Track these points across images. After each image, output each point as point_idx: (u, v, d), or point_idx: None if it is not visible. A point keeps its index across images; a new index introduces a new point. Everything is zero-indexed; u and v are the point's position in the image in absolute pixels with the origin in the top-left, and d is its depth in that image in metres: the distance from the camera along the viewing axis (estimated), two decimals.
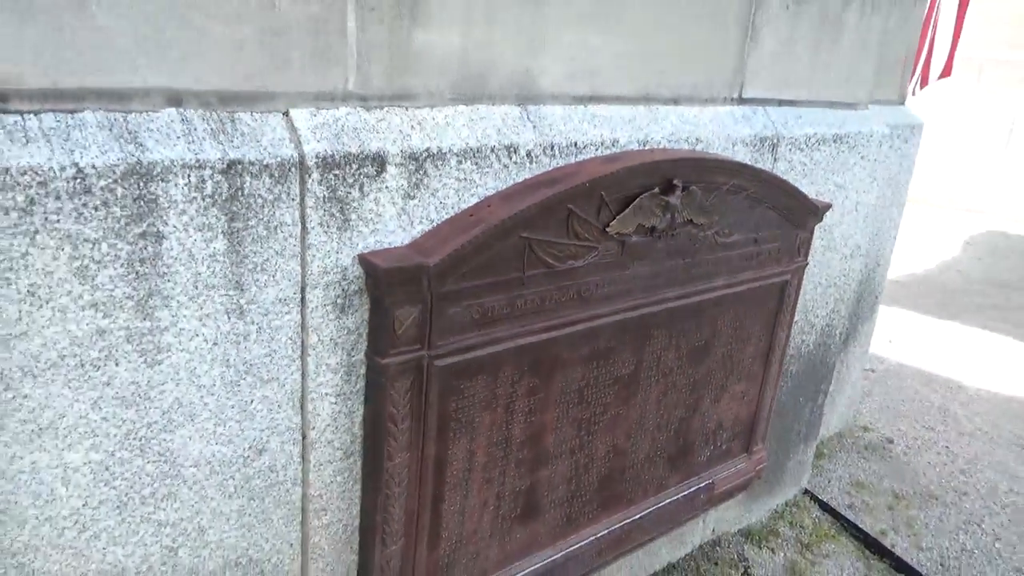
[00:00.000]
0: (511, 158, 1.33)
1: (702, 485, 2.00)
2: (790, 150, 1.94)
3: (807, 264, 2.04)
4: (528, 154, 1.36)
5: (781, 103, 1.97)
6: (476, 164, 1.29)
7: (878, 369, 3.69)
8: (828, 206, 2.00)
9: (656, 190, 1.50)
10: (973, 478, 2.83)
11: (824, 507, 2.55)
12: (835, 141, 2.09)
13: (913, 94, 5.68)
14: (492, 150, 1.30)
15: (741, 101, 1.85)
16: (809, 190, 2.05)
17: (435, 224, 1.26)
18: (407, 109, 1.22)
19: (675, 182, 1.52)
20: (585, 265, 1.45)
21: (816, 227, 2.09)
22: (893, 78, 2.63)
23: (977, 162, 8.22)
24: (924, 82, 5.91)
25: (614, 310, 1.55)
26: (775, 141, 1.89)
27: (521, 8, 1.33)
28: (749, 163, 1.79)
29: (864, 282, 2.76)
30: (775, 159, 1.91)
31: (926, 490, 2.70)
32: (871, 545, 2.39)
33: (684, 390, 1.82)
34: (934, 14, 5.46)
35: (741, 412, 2.05)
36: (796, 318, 2.22)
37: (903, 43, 2.64)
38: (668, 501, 1.90)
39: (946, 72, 6.19)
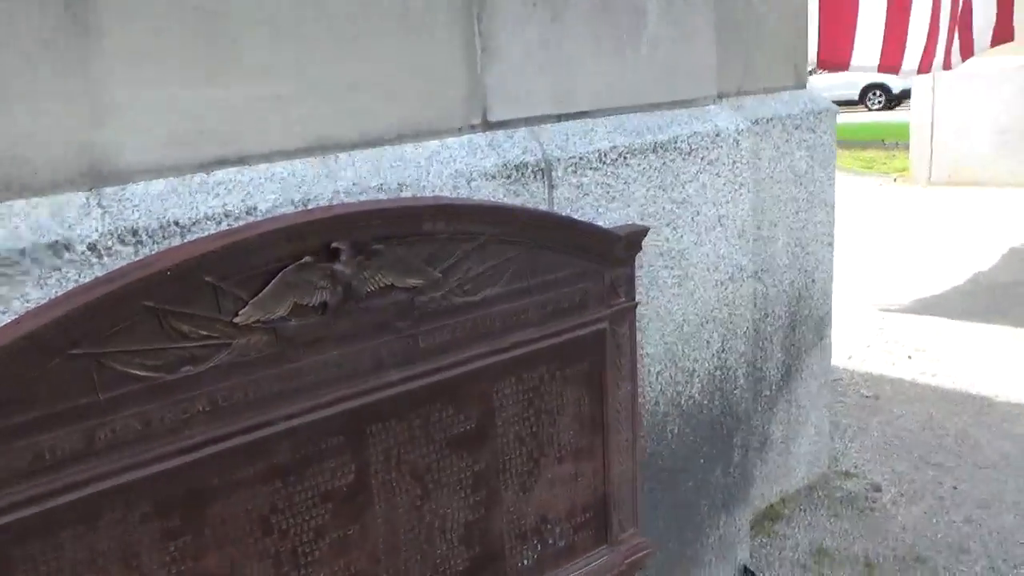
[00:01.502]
0: (62, 258, 1.08)
1: None
2: (575, 172, 1.59)
3: (636, 304, 1.66)
4: (92, 248, 1.10)
5: (561, 118, 1.63)
6: (2, 275, 1.04)
7: (884, 394, 3.12)
8: (642, 231, 1.62)
9: (308, 259, 1.21)
10: (982, 527, 2.25)
11: None
12: (655, 150, 1.71)
13: (950, 67, 5.08)
14: (24, 254, 1.05)
15: (488, 127, 1.53)
16: (625, 215, 1.69)
17: None
18: None
19: (335, 245, 1.22)
20: (214, 368, 1.16)
21: (653, 256, 1.72)
22: (780, 61, 2.22)
23: None
24: (969, 52, 5.27)
25: (289, 413, 1.24)
26: (544, 166, 1.55)
27: (64, 73, 1.09)
28: (489, 200, 1.46)
29: (794, 304, 2.30)
30: (551, 186, 1.56)
31: (911, 551, 2.15)
32: None
33: (459, 487, 1.46)
34: None
35: (579, 497, 1.65)
36: (658, 367, 1.82)
37: (788, 18, 2.23)
38: None
39: (1006, 36, 5.51)
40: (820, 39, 3.95)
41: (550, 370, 1.55)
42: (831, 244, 2.38)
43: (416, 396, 1.38)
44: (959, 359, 3.41)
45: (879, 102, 18.52)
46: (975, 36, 5.11)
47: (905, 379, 3.24)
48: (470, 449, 1.47)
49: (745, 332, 2.00)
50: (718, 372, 1.95)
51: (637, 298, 1.71)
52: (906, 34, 4.37)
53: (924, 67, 4.58)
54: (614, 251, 1.59)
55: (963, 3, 4.84)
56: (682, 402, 1.89)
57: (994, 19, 5.23)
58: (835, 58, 4.11)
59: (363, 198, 1.34)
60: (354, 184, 1.32)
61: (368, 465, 1.34)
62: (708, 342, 1.92)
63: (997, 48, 5.42)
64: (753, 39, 2.10)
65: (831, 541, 2.21)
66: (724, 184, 1.86)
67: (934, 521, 2.28)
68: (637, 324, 1.73)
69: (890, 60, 4.34)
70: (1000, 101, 7.46)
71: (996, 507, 2.33)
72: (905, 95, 18.49)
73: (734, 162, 1.87)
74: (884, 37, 4.27)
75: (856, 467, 2.59)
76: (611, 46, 1.68)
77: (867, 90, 18.58)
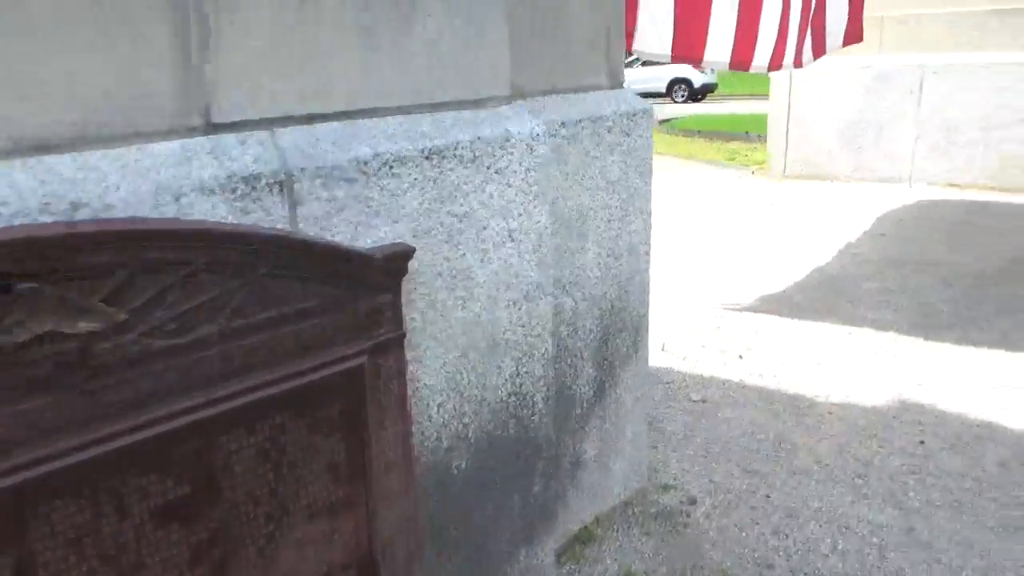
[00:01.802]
0: None
1: None
2: (325, 184, 1.37)
3: (403, 334, 1.47)
4: None
5: (313, 120, 1.40)
6: None
7: (712, 398, 3.11)
8: (407, 251, 1.43)
9: None
10: (788, 539, 2.23)
11: None
12: (429, 158, 1.52)
13: (801, 65, 5.18)
14: None
15: (211, 130, 1.28)
16: (394, 232, 1.49)
17: None
18: None
19: None
20: None
21: (430, 277, 1.53)
22: (591, 58, 2.07)
23: (890, 128, 7.70)
24: (821, 51, 5.39)
25: None
26: (284, 177, 1.32)
27: None
28: (198, 220, 1.21)
29: (607, 317, 2.18)
30: (293, 202, 1.34)
31: (718, 569, 2.10)
32: None
33: (171, 566, 1.23)
34: None
35: (337, 556, 1.45)
36: (440, 399, 1.64)
37: (602, 11, 2.08)
38: None
39: (855, 37, 5.67)
40: (675, 33, 3.91)
41: (292, 417, 1.34)
42: (648, 253, 2.28)
43: (100, 465, 1.13)
44: (787, 358, 3.47)
45: (683, 95, 20.40)
46: (828, 36, 5.26)
47: (734, 380, 3.25)
48: (184, 519, 1.23)
49: (544, 354, 1.86)
50: (512, 399, 1.80)
51: (410, 325, 1.53)
52: (757, 32, 4.41)
53: (775, 64, 4.66)
54: (370, 275, 1.39)
55: (816, 4, 4.95)
56: (470, 435, 1.72)
57: (846, 20, 5.39)
58: (689, 53, 4.09)
59: (18, 221, 1.06)
60: (2, 204, 1.05)
61: (31, 555, 1.08)
62: (500, 367, 1.76)
63: (847, 48, 5.62)
64: (560, 33, 1.94)
65: (640, 564, 2.13)
66: (516, 195, 1.70)
67: (744, 535, 2.25)
68: (412, 354, 1.55)
69: (741, 56, 4.38)
70: (845, 99, 7.82)
71: (803, 516, 2.33)
72: (707, 89, 20.66)
73: (527, 170, 1.71)
74: (736, 34, 4.29)
75: (675, 479, 2.53)
76: (380, 36, 1.46)
77: (673, 83, 20.51)
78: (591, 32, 2.04)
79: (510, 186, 1.68)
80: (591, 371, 2.17)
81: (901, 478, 2.51)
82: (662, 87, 20.29)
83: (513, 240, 1.72)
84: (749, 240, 5.63)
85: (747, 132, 12.02)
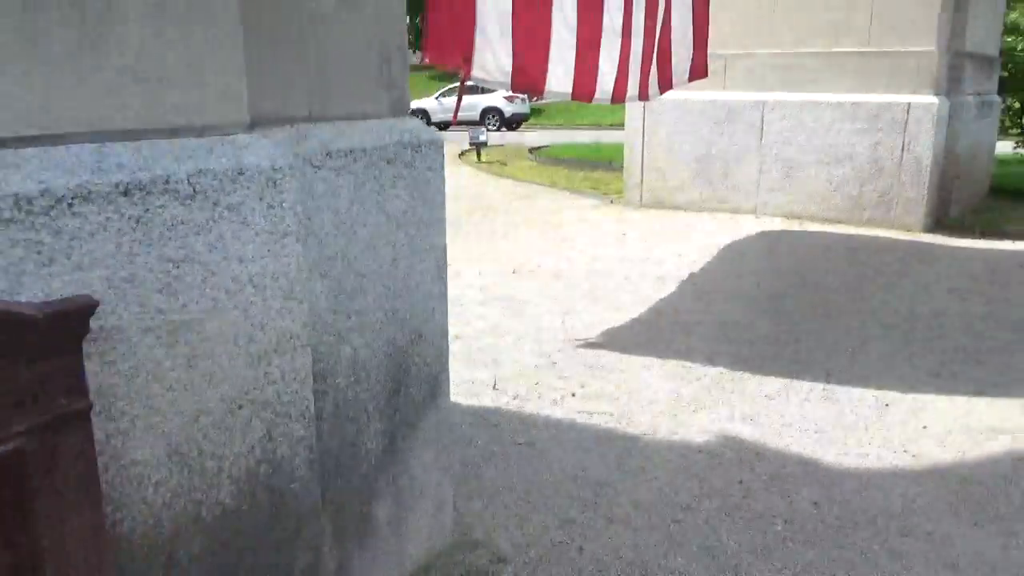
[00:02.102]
0: None
1: None
2: None
3: (88, 406, 1.21)
4: None
5: None
6: None
7: (540, 440, 2.97)
8: (85, 306, 1.18)
9: None
10: None
11: None
12: (128, 193, 1.28)
13: (647, 98, 5.23)
14: None
15: None
16: (80, 282, 1.23)
17: None
18: None
19: None
20: None
21: (138, 334, 1.28)
22: (366, 82, 1.90)
23: (737, 161, 8.02)
24: (667, 85, 5.47)
25: None
26: None
27: None
28: None
29: (397, 365, 1.99)
30: None
31: None
32: None
33: None
34: (660, 15, 5.03)
35: None
36: (159, 475, 1.38)
37: (379, 30, 1.91)
38: None
39: (700, 73, 5.82)
40: (515, 63, 3.82)
41: None
42: (443, 294, 2.11)
43: None
44: (620, 395, 3.40)
45: (496, 124, 22.10)
46: (674, 71, 5.38)
47: (564, 421, 3.14)
48: None
49: (305, 412, 1.63)
50: (263, 466, 1.56)
51: (110, 392, 1.27)
52: (597, 64, 4.41)
53: (618, 97, 4.69)
54: (31, 338, 1.13)
55: (660, 40, 5.04)
56: (203, 513, 1.47)
57: (691, 57, 5.55)
58: (530, 83, 4.02)
59: None
60: None
61: None
62: (245, 431, 1.52)
63: (697, 83, 5.80)
64: (325, 55, 1.75)
65: None
66: (256, 235, 1.48)
67: None
68: (113, 426, 1.30)
69: (583, 88, 4.36)
70: (697, 132, 8.11)
71: (615, 569, 2.21)
72: (520, 118, 22.49)
73: (270, 207, 1.50)
74: (576, 66, 4.26)
75: (488, 533, 2.36)
76: (59, 45, 1.22)
77: (485, 112, 22.19)
78: (366, 55, 1.87)
79: (247, 225, 1.46)
80: (379, 425, 1.96)
81: (716, 521, 2.45)
82: (476, 115, 21.60)
83: (255, 286, 1.49)
84: (597, 270, 5.64)
85: (611, 161, 12.30)
